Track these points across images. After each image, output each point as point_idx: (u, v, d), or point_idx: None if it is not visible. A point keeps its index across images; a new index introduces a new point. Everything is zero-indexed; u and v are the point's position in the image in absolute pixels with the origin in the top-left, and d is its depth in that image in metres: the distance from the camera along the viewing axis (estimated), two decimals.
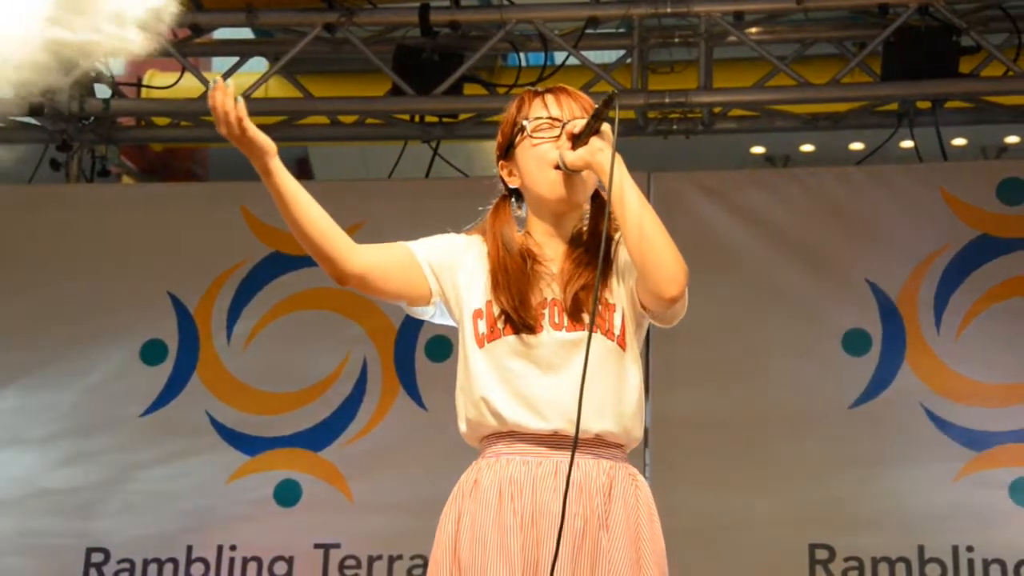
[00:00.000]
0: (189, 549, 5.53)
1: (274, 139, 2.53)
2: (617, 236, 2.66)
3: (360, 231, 2.85)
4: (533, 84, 3.14)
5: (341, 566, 5.44)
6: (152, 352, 5.73)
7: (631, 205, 2.52)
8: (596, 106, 2.60)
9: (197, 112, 5.97)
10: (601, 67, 5.70)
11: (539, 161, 2.65)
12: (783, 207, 5.59)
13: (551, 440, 2.55)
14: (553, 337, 2.58)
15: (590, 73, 5.66)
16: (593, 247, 2.61)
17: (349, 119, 6.17)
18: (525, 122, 2.67)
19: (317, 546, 5.48)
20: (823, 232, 5.54)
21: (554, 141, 2.64)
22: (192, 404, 5.68)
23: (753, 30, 5.77)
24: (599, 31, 5.81)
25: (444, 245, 2.72)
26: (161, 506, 5.60)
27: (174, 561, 5.51)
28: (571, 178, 2.63)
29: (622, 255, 2.64)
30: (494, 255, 2.66)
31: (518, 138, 2.68)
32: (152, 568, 5.51)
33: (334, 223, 2.61)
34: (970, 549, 5.17)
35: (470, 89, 5.82)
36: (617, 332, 2.60)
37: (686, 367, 5.43)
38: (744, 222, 5.58)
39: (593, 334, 2.54)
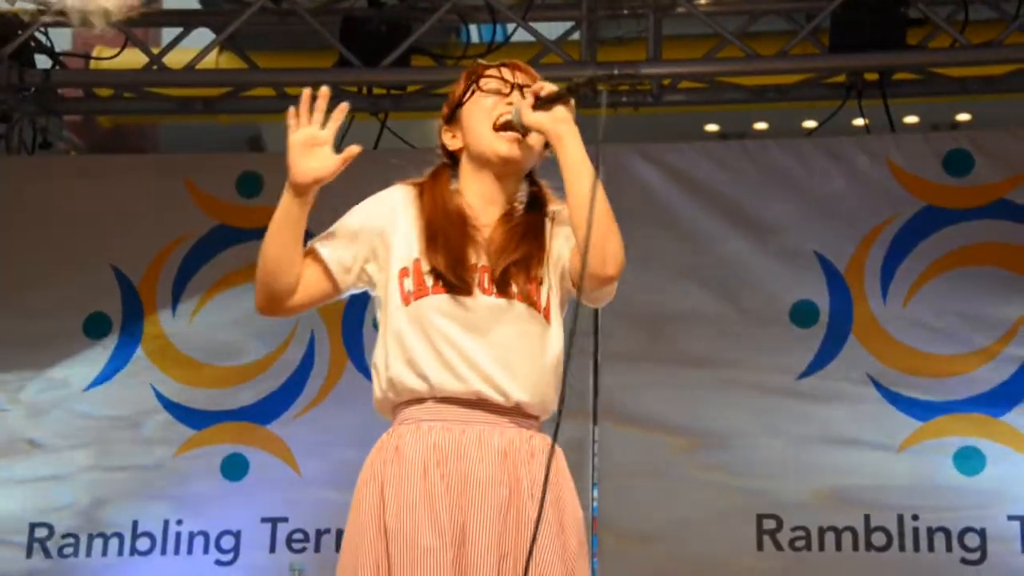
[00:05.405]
0: (135, 524, 5.49)
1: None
2: (551, 213, 2.65)
3: None
4: (482, 56, 3.11)
5: (289, 540, 5.42)
6: (96, 325, 5.67)
7: (585, 180, 2.49)
8: (576, 80, 2.62)
9: (141, 83, 5.89)
10: (550, 40, 5.66)
11: (487, 115, 2.63)
12: (732, 179, 5.60)
13: (473, 404, 2.53)
14: (483, 302, 2.55)
15: (539, 46, 5.62)
16: (528, 224, 2.61)
17: (296, 91, 6.08)
18: (480, 82, 2.66)
19: (264, 520, 5.46)
20: (772, 204, 5.56)
21: (503, 99, 2.63)
22: (137, 378, 5.63)
23: (702, 1, 5.76)
24: (547, 2, 5.77)
25: (366, 219, 2.66)
26: (106, 480, 5.55)
27: (119, 536, 5.47)
28: (518, 139, 2.61)
29: (557, 232, 2.62)
30: (430, 214, 2.62)
31: (467, 96, 2.67)
32: (97, 543, 5.47)
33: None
34: (915, 518, 5.22)
35: (418, 61, 5.77)
36: (543, 305, 2.59)
37: (632, 335, 5.44)
38: (692, 194, 5.59)
39: (520, 303, 2.55)
